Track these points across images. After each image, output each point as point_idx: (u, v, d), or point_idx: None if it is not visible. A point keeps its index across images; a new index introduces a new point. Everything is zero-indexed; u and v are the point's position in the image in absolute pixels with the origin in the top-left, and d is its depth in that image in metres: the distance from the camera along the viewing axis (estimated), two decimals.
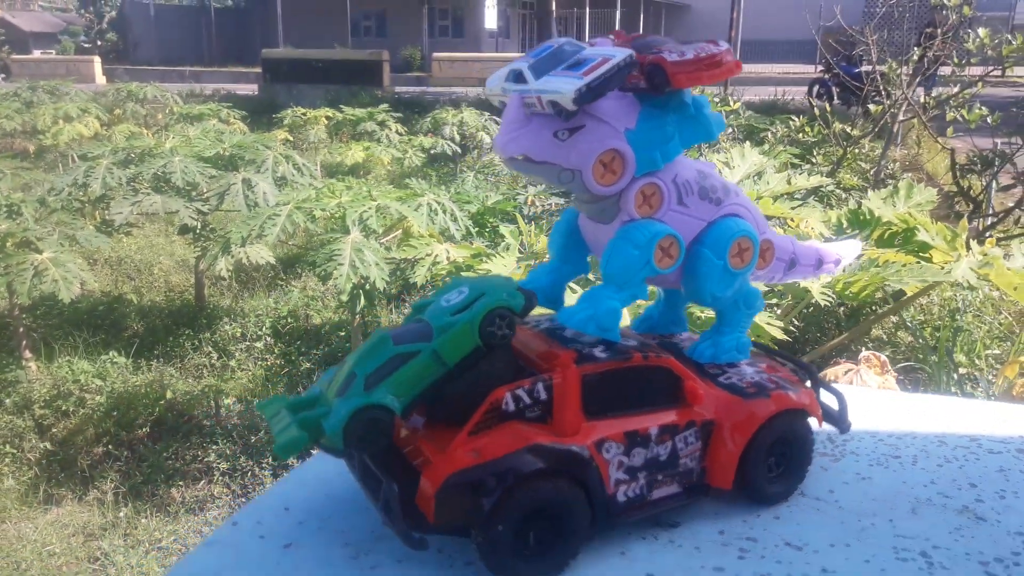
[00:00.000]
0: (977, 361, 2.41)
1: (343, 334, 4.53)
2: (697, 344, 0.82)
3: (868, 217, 1.67)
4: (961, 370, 2.26)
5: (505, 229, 2.11)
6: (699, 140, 0.77)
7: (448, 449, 0.66)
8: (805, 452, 0.80)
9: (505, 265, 1.90)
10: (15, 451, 3.89)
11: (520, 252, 2.01)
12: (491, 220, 3.57)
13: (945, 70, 4.20)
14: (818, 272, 0.88)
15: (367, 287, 3.28)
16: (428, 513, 0.65)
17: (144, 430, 4.02)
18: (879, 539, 0.74)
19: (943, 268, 1.43)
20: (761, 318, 1.48)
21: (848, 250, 0.91)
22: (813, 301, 1.58)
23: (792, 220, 1.91)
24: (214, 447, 3.79)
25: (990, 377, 2.12)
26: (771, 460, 0.78)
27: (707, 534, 0.74)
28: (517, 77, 0.72)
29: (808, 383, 0.83)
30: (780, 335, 1.44)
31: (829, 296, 1.54)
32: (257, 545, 0.73)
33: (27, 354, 4.36)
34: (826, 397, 0.84)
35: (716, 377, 0.79)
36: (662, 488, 0.74)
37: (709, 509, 0.77)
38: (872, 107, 4.57)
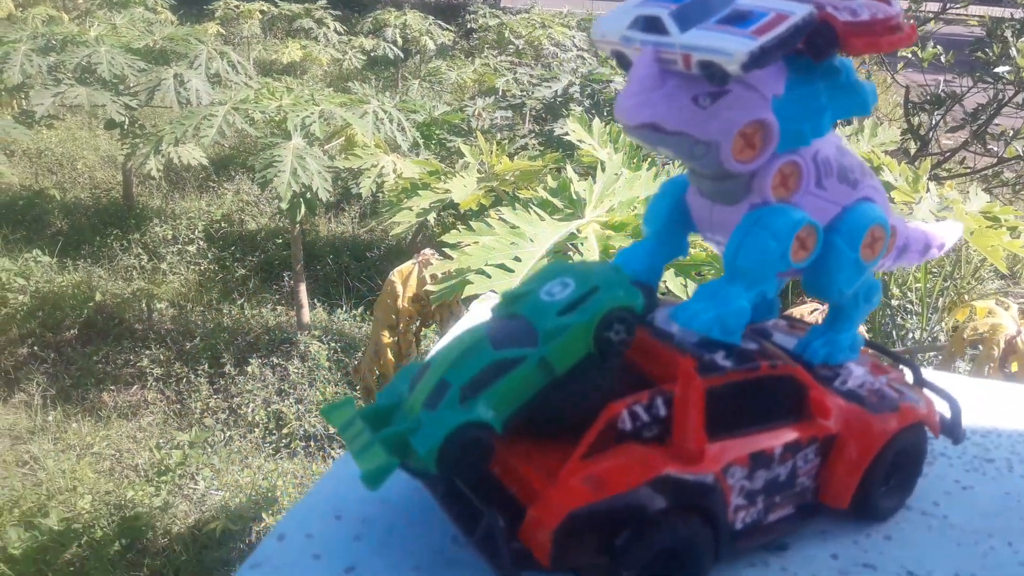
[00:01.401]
0: (910, 294, 2.50)
1: (280, 241, 4.44)
2: (808, 341, 0.72)
3: None
4: (894, 302, 2.35)
5: (465, 147, 2.07)
6: (852, 113, 0.67)
7: (561, 477, 0.56)
8: (919, 463, 0.73)
9: (465, 186, 1.88)
10: None
11: (480, 172, 1.98)
12: (438, 132, 3.49)
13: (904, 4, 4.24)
14: (923, 258, 0.80)
15: (308, 196, 3.20)
16: (540, 553, 0.56)
17: (72, 332, 3.91)
18: (1004, 568, 0.68)
19: (905, 210, 1.47)
20: None
21: (951, 233, 0.82)
22: None
23: None
24: (147, 352, 3.71)
25: (931, 315, 2.20)
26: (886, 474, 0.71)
27: (821, 559, 0.68)
28: (651, 26, 0.58)
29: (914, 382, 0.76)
30: None
31: None
32: (313, 568, 0.63)
33: None
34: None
35: (831, 381, 0.70)
36: (778, 511, 0.67)
37: (814, 527, 0.71)
38: None
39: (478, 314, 1.04)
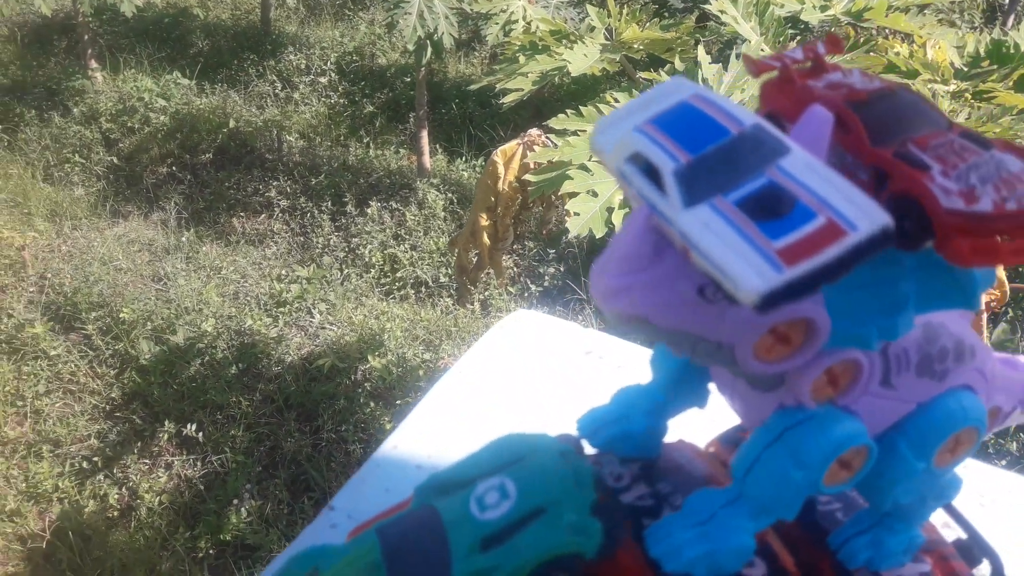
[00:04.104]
0: None
1: (408, 80, 4.36)
2: (848, 535, 0.53)
3: (1012, 52, 1.44)
4: None
5: (592, 8, 1.89)
6: (950, 306, 0.45)
7: None
8: None
9: (586, 55, 1.72)
10: (84, 161, 3.97)
11: (606, 39, 1.81)
12: None
13: None
14: None
15: (435, 39, 3.08)
16: None
17: (207, 156, 4.05)
18: None
19: None
20: None
21: None
22: None
23: (918, 38, 1.67)
24: (275, 183, 3.81)
25: None
26: None
27: None
28: (652, 173, 0.38)
29: None
30: None
31: None
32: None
33: (92, 63, 4.31)
34: None
35: None
36: None
37: None
38: None
39: (500, 336, 0.92)
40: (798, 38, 1.70)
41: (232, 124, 4.09)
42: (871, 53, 1.60)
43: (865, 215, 0.33)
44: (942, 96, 1.40)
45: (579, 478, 0.46)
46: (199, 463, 2.70)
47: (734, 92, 1.39)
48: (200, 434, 2.73)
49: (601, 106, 1.41)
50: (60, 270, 3.31)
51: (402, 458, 0.72)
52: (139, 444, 2.75)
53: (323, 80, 4.44)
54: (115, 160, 3.99)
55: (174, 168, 3.99)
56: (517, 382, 0.80)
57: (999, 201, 0.35)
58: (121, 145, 4.07)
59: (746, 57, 0.44)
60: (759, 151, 0.36)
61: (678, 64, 1.54)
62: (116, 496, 2.59)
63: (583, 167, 1.24)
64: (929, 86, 1.45)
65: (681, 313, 0.39)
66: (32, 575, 2.44)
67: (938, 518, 0.59)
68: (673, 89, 0.40)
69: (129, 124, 4.09)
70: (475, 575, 0.43)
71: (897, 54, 1.60)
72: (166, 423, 2.74)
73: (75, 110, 4.15)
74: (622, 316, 0.41)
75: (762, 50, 1.56)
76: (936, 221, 0.36)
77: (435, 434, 0.71)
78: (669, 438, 0.56)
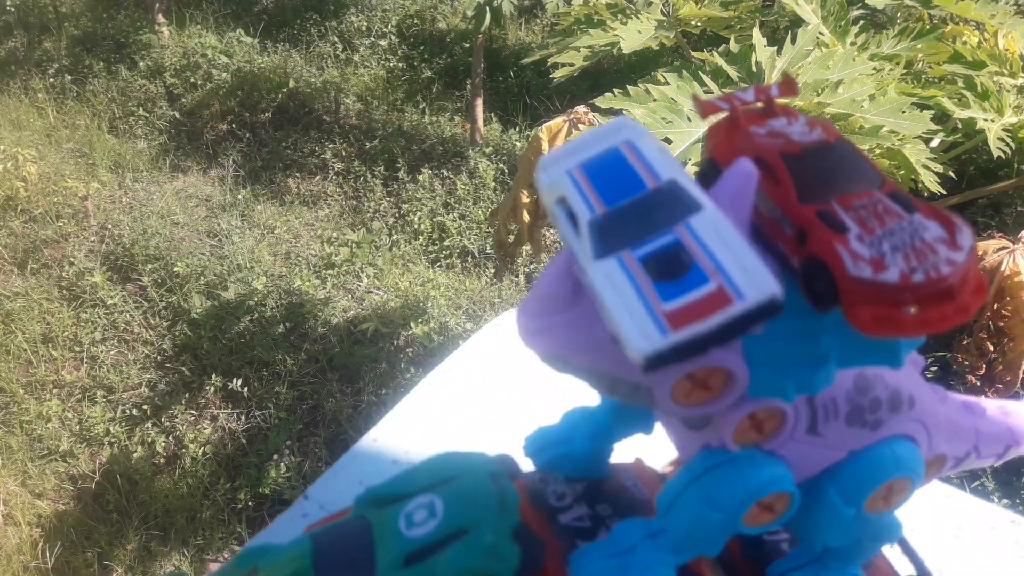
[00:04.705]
0: None
1: (467, 46, 4.33)
2: (784, 568, 0.53)
3: None
4: None
5: None
6: (872, 363, 0.44)
7: None
8: None
9: (640, 31, 1.69)
10: (147, 115, 4.05)
11: (663, 15, 1.77)
12: None
13: None
14: (1002, 459, 0.58)
15: (494, 5, 3.06)
16: None
17: (267, 115, 4.10)
18: None
19: None
20: (915, 155, 1.28)
21: None
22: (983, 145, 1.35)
23: (989, 27, 1.59)
24: (331, 145, 3.85)
25: None
26: None
27: None
28: (572, 216, 0.38)
29: None
30: (935, 187, 1.25)
31: (1007, 146, 1.30)
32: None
33: (160, 18, 4.38)
34: None
35: None
36: None
37: None
38: None
39: (493, 334, 0.91)
40: (861, 22, 1.64)
41: (292, 84, 4.12)
42: (940, 41, 1.54)
43: (754, 284, 0.33)
44: (1007, 90, 1.34)
45: (504, 502, 0.47)
46: (243, 417, 2.77)
47: None
48: (245, 389, 2.80)
49: (649, 86, 1.38)
50: (120, 221, 3.40)
51: (380, 452, 0.73)
52: (187, 395, 2.83)
53: (383, 43, 4.45)
54: (177, 115, 4.06)
55: (234, 126, 4.05)
56: (505, 382, 0.79)
57: (907, 271, 0.34)
58: (184, 100, 4.14)
59: (695, 98, 0.43)
60: (672, 208, 0.36)
61: (732, 45, 1.50)
62: (163, 444, 2.68)
63: None
64: (995, 79, 1.38)
65: (598, 355, 0.39)
66: (82, 513, 2.55)
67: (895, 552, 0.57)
68: (610, 132, 0.40)
69: (192, 80, 4.16)
70: None
71: (964, 43, 1.54)
72: (213, 376, 2.82)
73: (141, 64, 4.23)
74: (542, 355, 0.41)
75: (820, 34, 1.51)
76: (841, 287, 0.35)
77: (416, 430, 0.71)
78: (632, 455, 0.56)
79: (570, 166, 0.40)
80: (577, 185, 0.39)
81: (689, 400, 0.40)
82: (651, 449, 0.57)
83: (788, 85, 0.42)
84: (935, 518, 0.65)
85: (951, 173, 1.39)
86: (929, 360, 2.46)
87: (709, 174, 0.41)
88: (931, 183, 1.23)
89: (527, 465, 0.56)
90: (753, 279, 0.33)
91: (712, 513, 0.44)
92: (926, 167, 1.26)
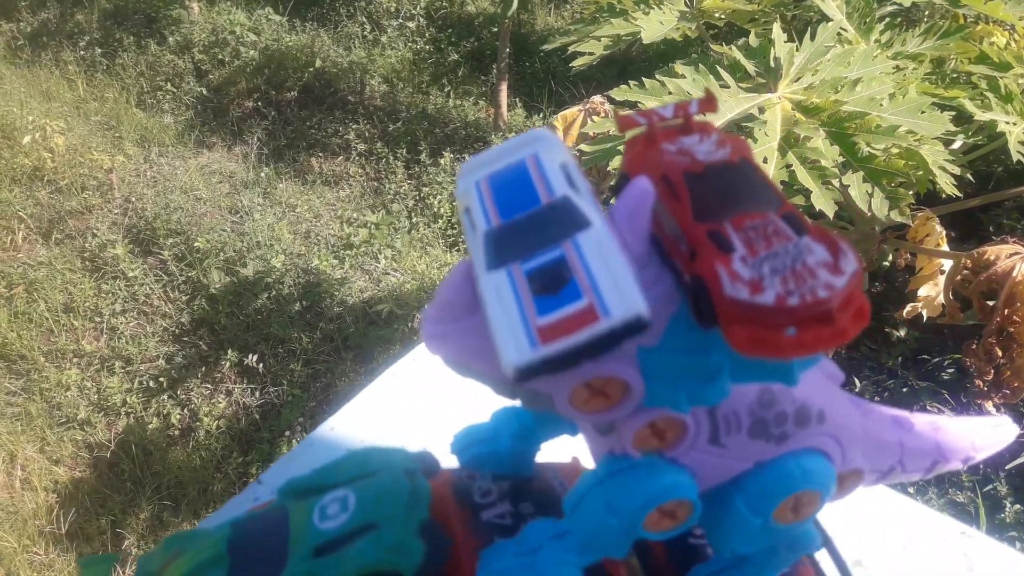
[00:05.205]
0: None
1: (495, 30, 4.32)
2: (701, 574, 0.54)
3: None
4: None
5: None
6: (766, 380, 0.44)
7: None
8: None
9: (662, 22, 1.67)
10: (175, 90, 4.08)
11: (686, 6, 1.75)
12: None
13: None
14: (930, 474, 0.57)
15: None
16: None
17: (292, 94, 4.11)
18: None
19: None
20: (932, 156, 1.26)
21: (992, 438, 0.57)
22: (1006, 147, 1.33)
23: (1020, 28, 1.56)
24: (354, 126, 3.86)
25: None
26: None
27: None
28: (473, 224, 0.39)
29: None
30: (951, 189, 1.23)
31: None
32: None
33: None
34: None
35: None
36: None
37: None
38: None
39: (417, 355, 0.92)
40: (887, 19, 1.61)
41: (319, 63, 4.13)
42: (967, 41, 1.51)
43: (622, 302, 0.33)
44: None
45: (414, 498, 0.48)
46: (257, 392, 2.80)
47: (804, 74, 1.33)
48: (261, 365, 2.83)
49: (665, 79, 1.37)
50: (144, 195, 3.44)
51: (336, 440, 0.73)
52: (203, 369, 2.86)
53: (411, 24, 4.44)
54: (204, 91, 4.09)
55: (259, 103, 4.07)
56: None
57: (783, 294, 0.34)
58: (211, 77, 4.17)
59: (615, 112, 0.44)
60: (563, 224, 0.37)
61: (752, 40, 1.48)
62: (178, 416, 2.71)
63: None
64: (1020, 81, 1.36)
65: (494, 362, 0.39)
66: (97, 481, 2.59)
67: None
68: (524, 144, 0.41)
69: (220, 56, 4.18)
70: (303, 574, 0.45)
71: (992, 44, 1.51)
72: (229, 351, 2.85)
73: (170, 39, 4.26)
74: (444, 360, 0.42)
75: (843, 30, 1.49)
76: (718, 307, 0.35)
77: (374, 420, 0.71)
78: (571, 455, 0.57)
79: (480, 176, 0.40)
80: (480, 196, 0.39)
81: (588, 407, 0.41)
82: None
83: (708, 102, 0.42)
84: (887, 528, 0.65)
85: (969, 175, 1.37)
86: (946, 362, 2.43)
87: (622, 188, 0.41)
88: (947, 185, 1.21)
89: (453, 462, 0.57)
90: (622, 297, 0.34)
91: (610, 518, 0.45)
92: (943, 168, 1.24)
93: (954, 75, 1.53)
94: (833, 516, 0.67)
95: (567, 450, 0.55)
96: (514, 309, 0.35)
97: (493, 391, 0.44)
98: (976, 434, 0.56)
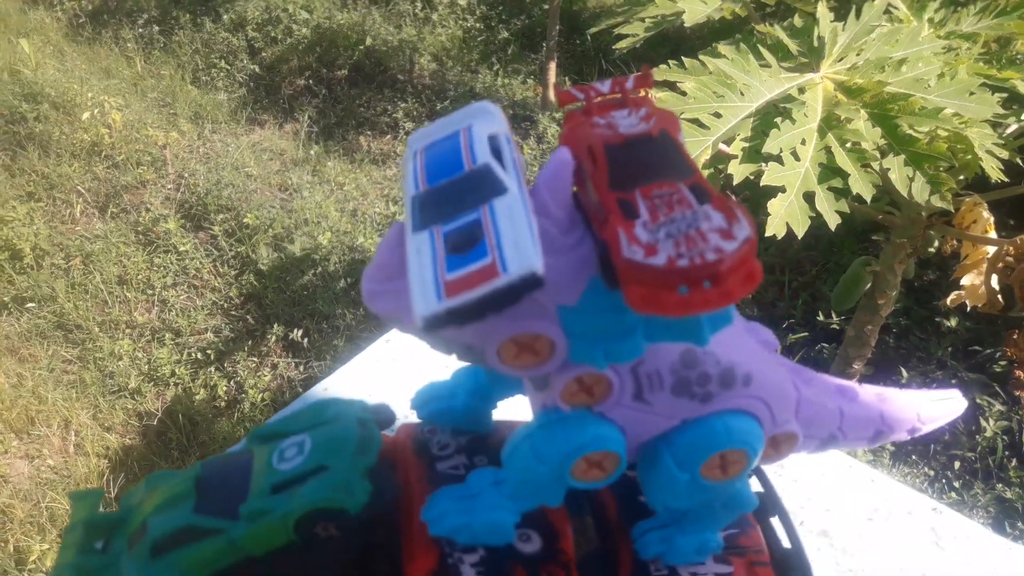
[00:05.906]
0: None
1: (547, 7, 4.28)
2: (645, 528, 0.57)
3: None
4: None
5: None
6: (680, 339, 0.47)
7: None
8: None
9: (705, 2, 1.63)
10: (228, 67, 4.15)
11: None
12: None
13: None
14: (874, 443, 0.60)
15: None
16: None
17: (343, 72, 4.14)
18: None
19: None
20: (980, 140, 1.21)
21: (939, 410, 0.59)
22: None
23: None
24: (403, 104, 3.87)
25: None
26: None
27: None
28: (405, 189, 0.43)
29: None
30: (996, 173, 1.18)
31: None
32: None
33: None
34: None
35: None
36: None
37: None
38: None
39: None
40: None
41: (369, 42, 4.15)
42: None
43: (519, 260, 0.36)
44: None
45: (365, 444, 0.53)
46: (301, 367, 2.85)
47: (848, 54, 1.29)
48: (305, 340, 2.87)
49: (706, 59, 1.34)
50: (196, 171, 3.51)
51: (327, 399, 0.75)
52: (250, 343, 2.92)
53: (462, 2, 4.43)
54: (257, 69, 4.15)
55: (311, 81, 4.11)
56: None
57: (674, 256, 0.37)
58: (264, 54, 4.22)
59: (556, 88, 0.46)
60: (481, 190, 0.40)
61: (797, 21, 1.44)
62: (224, 388, 2.78)
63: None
64: None
65: None
66: (146, 448, 2.67)
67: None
68: (464, 116, 0.45)
69: (273, 34, 4.23)
70: (256, 513, 0.50)
71: None
72: (275, 326, 2.90)
73: (225, 17, 4.32)
74: (380, 315, 0.46)
75: (894, 8, 1.44)
76: (617, 268, 0.38)
77: (366, 383, 0.72)
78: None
79: (420, 146, 0.44)
80: (415, 164, 0.43)
81: (518, 362, 0.45)
82: None
83: (643, 78, 0.45)
84: (853, 499, 0.65)
85: (1020, 160, 1.31)
86: (998, 354, 2.36)
87: None
88: (992, 170, 1.16)
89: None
90: (520, 255, 0.36)
91: (540, 465, 0.48)
92: (990, 153, 1.19)
93: (1018, 56, 1.47)
94: (802, 487, 0.68)
95: (530, 410, 0.57)
96: (429, 266, 0.38)
97: (430, 345, 0.47)
98: (922, 406, 0.58)
